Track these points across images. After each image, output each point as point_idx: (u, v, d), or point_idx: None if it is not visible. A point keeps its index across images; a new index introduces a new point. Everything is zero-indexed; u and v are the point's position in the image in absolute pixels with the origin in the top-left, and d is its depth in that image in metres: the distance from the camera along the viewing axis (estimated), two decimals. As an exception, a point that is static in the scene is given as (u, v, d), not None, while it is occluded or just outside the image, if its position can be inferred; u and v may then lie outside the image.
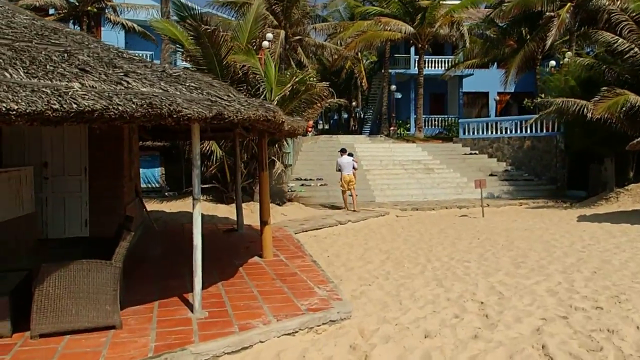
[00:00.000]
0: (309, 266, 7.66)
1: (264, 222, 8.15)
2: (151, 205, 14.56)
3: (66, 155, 8.77)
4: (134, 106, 4.14)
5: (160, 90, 4.78)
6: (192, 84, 5.23)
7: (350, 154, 16.84)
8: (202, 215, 13.69)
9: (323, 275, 7.00)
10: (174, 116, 4.41)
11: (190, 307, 5.48)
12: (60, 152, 8.75)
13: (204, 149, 14.07)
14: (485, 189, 16.49)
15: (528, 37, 27.76)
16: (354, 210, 15.86)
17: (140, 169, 15.97)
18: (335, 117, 53.90)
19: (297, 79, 13.31)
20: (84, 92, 4.05)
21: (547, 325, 5.28)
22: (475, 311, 6.00)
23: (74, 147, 8.81)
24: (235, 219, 11.30)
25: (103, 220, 8.97)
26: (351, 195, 16.30)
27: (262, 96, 12.90)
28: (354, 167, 16.37)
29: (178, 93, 4.89)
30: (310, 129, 34.66)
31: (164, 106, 4.33)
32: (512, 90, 33.18)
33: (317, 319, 5.20)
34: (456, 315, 5.83)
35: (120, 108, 4.06)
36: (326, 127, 50.84)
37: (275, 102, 12.41)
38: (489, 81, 34.21)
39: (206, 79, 5.80)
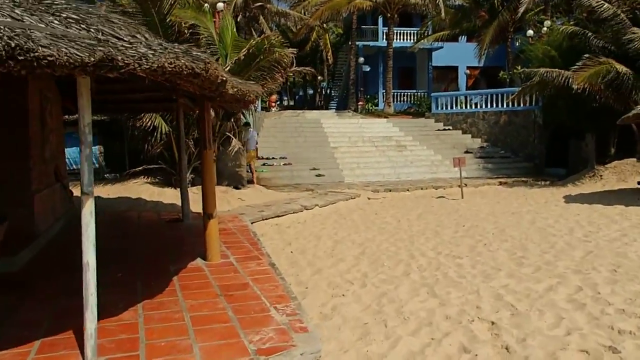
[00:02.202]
0: (265, 272, 5.95)
1: (208, 215, 6.38)
2: (86, 190, 12.55)
3: (-50, 130, 6.78)
4: None
5: (9, 20, 2.93)
6: (73, 16, 3.40)
7: None
8: (145, 202, 11.85)
9: (283, 288, 5.31)
10: (20, 57, 2.60)
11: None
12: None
13: (146, 123, 12.11)
14: (464, 167, 15.06)
15: (500, 8, 26.46)
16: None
17: (74, 148, 13.91)
18: (301, 93, 52.06)
19: (253, 43, 11.40)
20: None
21: (598, 366, 3.76)
22: (488, 339, 4.43)
23: (-40, 120, 6.82)
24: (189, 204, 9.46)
25: (3, 212, 7.07)
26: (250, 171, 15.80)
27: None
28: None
29: (42, 26, 3.05)
30: (273, 104, 32.77)
31: (-3, 39, 2.50)
32: (482, 65, 31.90)
33: (270, 367, 3.53)
34: (464, 348, 4.25)
35: None
36: (291, 103, 49.05)
37: (228, 69, 10.53)
38: (459, 55, 32.88)
39: (102, 13, 3.96)
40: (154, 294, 5.13)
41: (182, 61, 3.52)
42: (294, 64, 12.03)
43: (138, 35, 3.64)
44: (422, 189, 16.00)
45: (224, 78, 4.43)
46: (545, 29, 20.20)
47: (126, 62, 3.07)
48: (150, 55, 3.23)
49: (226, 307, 4.74)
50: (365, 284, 6.29)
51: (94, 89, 9.28)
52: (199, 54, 3.81)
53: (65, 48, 2.82)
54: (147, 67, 3.20)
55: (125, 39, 3.37)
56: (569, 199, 13.62)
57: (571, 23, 19.30)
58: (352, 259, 7.67)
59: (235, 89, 5.10)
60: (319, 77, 44.28)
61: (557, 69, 16.15)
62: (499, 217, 10.99)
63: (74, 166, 13.81)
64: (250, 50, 11.40)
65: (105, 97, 9.57)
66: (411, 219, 11.07)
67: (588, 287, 5.84)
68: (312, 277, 6.71)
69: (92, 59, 2.89)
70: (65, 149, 13.69)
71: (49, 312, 4.69)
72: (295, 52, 12.17)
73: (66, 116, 11.58)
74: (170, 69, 3.38)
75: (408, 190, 15.76)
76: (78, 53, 2.85)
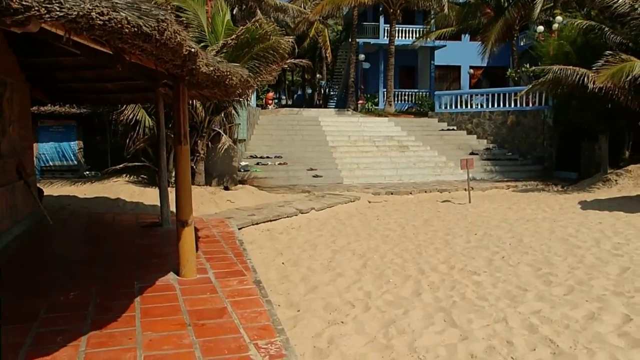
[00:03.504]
0: (248, 293, 4.93)
1: (182, 223, 5.35)
2: (61, 189, 11.52)
3: None
4: None
5: None
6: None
7: None
8: (124, 203, 10.80)
9: (268, 315, 4.29)
10: None
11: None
12: None
13: (127, 116, 11.07)
14: (472, 169, 14.05)
15: (506, 4, 25.53)
16: None
17: (50, 143, 12.94)
18: (299, 93, 51.13)
19: (244, 29, 10.37)
20: None
21: None
22: (532, 393, 3.43)
23: None
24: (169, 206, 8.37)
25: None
26: None
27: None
28: None
29: None
30: (270, 102, 31.69)
31: None
32: (485, 64, 31.03)
33: None
34: (504, 407, 3.24)
35: None
36: (289, 102, 48.11)
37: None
38: (462, 54, 32.02)
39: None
40: (107, 321, 4.11)
41: (122, 14, 2.49)
42: (295, 53, 10.95)
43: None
44: (426, 192, 14.97)
45: (192, 49, 3.40)
46: (556, 25, 19.16)
47: (25, 4, 2.04)
48: (68, -1, 2.20)
49: (194, 342, 3.72)
50: (368, 307, 5.27)
51: (64, 76, 8.28)
52: (150, 8, 2.78)
53: None
54: (62, 14, 2.17)
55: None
56: (585, 205, 12.62)
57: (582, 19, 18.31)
58: (352, 273, 6.65)
59: (212, 68, 4.08)
60: (318, 76, 43.36)
61: (571, 66, 15.14)
62: (513, 225, 9.98)
63: (51, 163, 12.83)
64: (242, 37, 10.37)
65: (73, 86, 8.61)
66: (417, 226, 10.05)
67: (638, 314, 4.84)
68: (306, 296, 5.69)
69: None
70: (40, 144, 12.78)
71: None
72: (292, 39, 11.13)
73: (38, 107, 10.59)
74: (100, 23, 2.34)
75: (411, 193, 14.74)
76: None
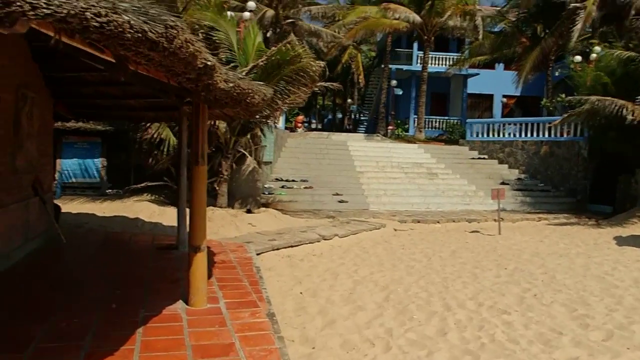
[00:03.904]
0: (260, 327, 4.59)
1: (194, 248, 5.05)
2: (81, 206, 11.41)
3: None
4: None
5: None
6: None
7: None
8: (142, 222, 10.62)
9: (279, 354, 3.94)
10: None
11: None
12: None
13: (151, 135, 10.98)
14: (503, 200, 13.50)
15: (543, 34, 25.07)
16: None
17: (74, 160, 12.95)
18: (330, 117, 51.11)
19: (275, 50, 10.20)
20: None
21: None
22: None
23: None
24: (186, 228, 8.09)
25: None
26: None
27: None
28: None
29: None
30: (300, 124, 31.66)
31: None
32: (518, 94, 30.57)
33: None
34: None
35: None
36: (319, 126, 48.13)
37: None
38: (494, 83, 31.57)
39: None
40: (103, 355, 3.80)
41: (125, 17, 2.25)
42: (326, 77, 10.71)
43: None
44: (454, 221, 14.45)
45: (209, 62, 3.15)
46: (594, 55, 18.61)
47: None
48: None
49: (195, 383, 3.39)
50: (389, 347, 4.87)
51: (88, 92, 8.19)
52: (159, 13, 2.54)
53: None
54: (49, 12, 1.93)
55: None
56: (621, 241, 11.91)
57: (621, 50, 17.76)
58: (374, 306, 6.26)
59: (231, 84, 3.83)
60: (349, 100, 43.35)
61: (609, 97, 14.60)
62: (545, 260, 9.44)
63: (73, 179, 12.83)
64: (273, 58, 10.19)
65: (97, 102, 8.51)
66: (444, 257, 9.59)
67: (691, 371, 4.33)
68: (323, 331, 5.32)
69: None
70: (63, 160, 12.80)
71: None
72: (323, 64, 10.90)
73: (63, 123, 10.59)
74: (96, 25, 2.10)
75: (439, 222, 14.24)
76: None
